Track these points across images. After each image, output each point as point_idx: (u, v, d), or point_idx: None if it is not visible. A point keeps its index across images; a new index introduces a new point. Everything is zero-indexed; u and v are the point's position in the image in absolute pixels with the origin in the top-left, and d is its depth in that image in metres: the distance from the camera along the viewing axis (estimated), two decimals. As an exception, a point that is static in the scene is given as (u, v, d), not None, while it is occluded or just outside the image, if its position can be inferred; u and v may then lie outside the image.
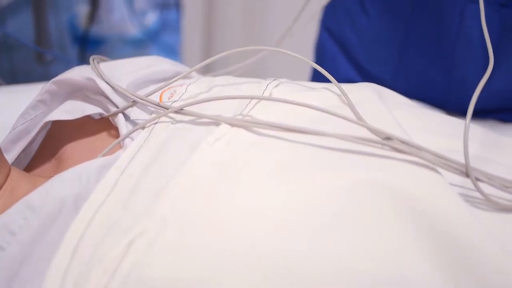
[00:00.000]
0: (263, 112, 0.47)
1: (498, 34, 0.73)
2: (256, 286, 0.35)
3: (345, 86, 0.50)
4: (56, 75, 0.53)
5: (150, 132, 0.46)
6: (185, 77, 0.53)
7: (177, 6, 1.66)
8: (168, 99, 0.51)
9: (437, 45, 0.81)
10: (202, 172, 0.40)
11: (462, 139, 0.42)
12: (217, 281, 0.35)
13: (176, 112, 0.47)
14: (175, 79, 0.52)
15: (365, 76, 0.89)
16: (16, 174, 0.48)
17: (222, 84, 0.53)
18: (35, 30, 1.51)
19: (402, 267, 0.36)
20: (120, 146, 0.48)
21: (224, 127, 0.44)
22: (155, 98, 0.51)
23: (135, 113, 0.50)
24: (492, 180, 0.41)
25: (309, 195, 0.38)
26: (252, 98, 0.48)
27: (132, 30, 1.74)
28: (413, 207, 0.38)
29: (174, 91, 0.52)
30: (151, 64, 0.57)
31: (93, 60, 0.54)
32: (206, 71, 0.63)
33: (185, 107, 0.47)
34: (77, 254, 0.36)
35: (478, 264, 0.35)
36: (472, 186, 0.41)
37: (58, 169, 0.51)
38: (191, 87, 0.52)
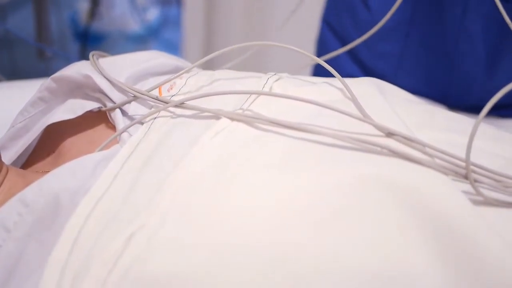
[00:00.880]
0: (264, 106, 0.46)
1: (501, 29, 0.73)
2: (255, 280, 0.35)
3: (346, 81, 0.50)
4: (57, 71, 0.53)
5: (150, 126, 0.46)
6: (186, 72, 0.53)
7: (178, 2, 1.66)
8: (168, 91, 0.51)
9: (438, 40, 0.81)
10: (202, 166, 0.40)
11: (463, 135, 0.41)
12: (216, 275, 0.35)
13: (176, 106, 0.47)
14: (176, 75, 0.52)
15: (367, 71, 0.89)
16: (13, 174, 0.48)
17: (222, 78, 0.53)
18: (36, 26, 1.51)
19: (403, 262, 0.35)
20: (117, 140, 0.47)
21: (224, 121, 0.44)
22: (154, 92, 0.50)
23: (133, 108, 0.49)
24: (492, 179, 0.41)
25: (310, 190, 0.38)
26: (252, 93, 0.47)
27: (133, 26, 1.74)
28: (415, 203, 0.37)
29: (174, 83, 0.52)
30: (151, 58, 0.56)
31: (93, 56, 0.54)
32: (206, 67, 0.62)
33: (185, 101, 0.47)
34: (77, 247, 0.36)
35: (480, 260, 0.35)
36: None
37: (57, 163, 0.51)
38: (191, 80, 0.52)
